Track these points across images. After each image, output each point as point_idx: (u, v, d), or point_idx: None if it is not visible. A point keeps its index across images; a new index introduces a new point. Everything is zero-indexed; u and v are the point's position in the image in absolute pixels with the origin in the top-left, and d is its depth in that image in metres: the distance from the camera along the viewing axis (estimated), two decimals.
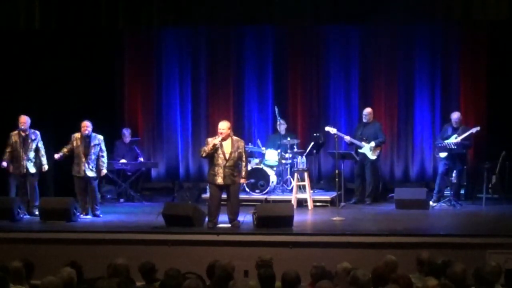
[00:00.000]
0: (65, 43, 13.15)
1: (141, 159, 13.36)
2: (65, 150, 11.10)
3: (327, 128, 12.40)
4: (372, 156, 12.41)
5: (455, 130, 12.13)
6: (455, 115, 12.26)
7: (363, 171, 12.52)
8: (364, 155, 12.43)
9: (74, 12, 11.69)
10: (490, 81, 13.36)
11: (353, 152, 12.37)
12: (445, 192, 12.16)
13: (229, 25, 13.25)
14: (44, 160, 11.27)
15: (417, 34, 13.71)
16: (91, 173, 11.05)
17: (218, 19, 11.83)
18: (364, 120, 12.68)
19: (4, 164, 11.22)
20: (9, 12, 11.66)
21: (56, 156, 11.14)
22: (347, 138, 12.26)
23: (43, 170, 11.32)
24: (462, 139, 11.90)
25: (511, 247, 8.95)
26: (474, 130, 11.99)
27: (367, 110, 12.76)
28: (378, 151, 12.51)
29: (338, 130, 12.48)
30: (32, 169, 11.18)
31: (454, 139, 11.98)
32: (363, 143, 12.40)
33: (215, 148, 9.99)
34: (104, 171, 11.29)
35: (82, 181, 11.07)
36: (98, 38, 13.33)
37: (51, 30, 12.07)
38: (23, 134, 11.19)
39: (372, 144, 12.39)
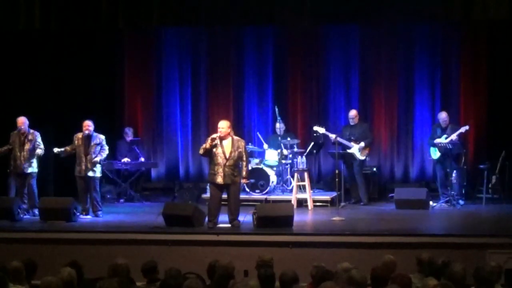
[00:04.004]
0: (65, 43, 13.17)
1: (142, 159, 13.34)
2: (68, 148, 11.10)
3: (315, 128, 12.38)
4: (361, 156, 12.40)
5: (443, 131, 12.14)
6: (443, 115, 12.28)
7: (352, 171, 12.51)
8: (352, 155, 12.40)
9: (74, 12, 11.68)
10: (490, 81, 13.36)
11: (354, 153, 12.35)
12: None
13: (229, 25, 13.25)
14: (39, 151, 11.16)
15: (417, 34, 13.71)
16: (91, 173, 11.05)
17: (218, 19, 11.82)
18: (351, 123, 12.65)
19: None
20: (9, 12, 11.66)
21: (55, 149, 11.07)
22: (333, 136, 12.11)
23: (36, 154, 11.14)
24: (454, 139, 11.91)
25: (511, 247, 8.95)
26: (463, 129, 12.01)
27: (353, 112, 12.72)
28: (367, 151, 12.50)
29: (337, 130, 12.48)
30: (29, 169, 11.17)
31: (444, 140, 11.99)
32: (352, 143, 12.38)
33: (213, 145, 9.96)
34: (97, 159, 11.00)
35: (83, 181, 11.07)
36: (98, 38, 13.34)
37: (51, 30, 12.07)
38: (21, 134, 11.20)
39: (362, 144, 12.38)
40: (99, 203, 11.21)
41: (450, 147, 11.92)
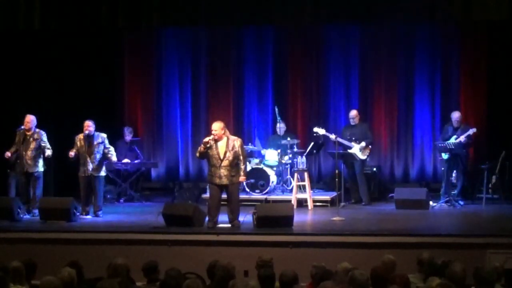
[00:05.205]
0: (65, 43, 13.17)
1: (137, 160, 13.34)
2: (74, 150, 11.11)
3: (315, 129, 12.36)
4: (362, 156, 12.39)
5: (455, 130, 12.13)
6: (456, 115, 12.26)
7: (353, 171, 12.51)
8: (353, 155, 12.40)
9: (74, 12, 11.69)
10: (490, 81, 13.36)
11: (355, 153, 12.35)
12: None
13: (229, 25, 13.25)
14: (48, 151, 11.16)
15: (417, 34, 13.71)
16: (96, 173, 11.06)
17: (218, 19, 11.83)
18: (352, 123, 12.65)
19: (8, 154, 11.19)
20: (9, 12, 11.66)
21: (71, 153, 11.05)
22: (333, 136, 12.09)
23: (46, 156, 11.18)
24: (463, 140, 11.91)
25: (511, 247, 8.95)
26: (471, 131, 11.99)
27: (353, 112, 12.72)
28: (368, 151, 12.50)
29: (337, 130, 12.49)
30: (34, 169, 11.16)
31: (453, 140, 11.99)
32: (353, 143, 12.38)
33: (207, 148, 9.96)
34: (114, 158, 11.26)
35: (87, 180, 11.09)
36: (98, 38, 13.34)
37: (51, 30, 12.07)
38: (27, 133, 11.20)
39: (363, 144, 12.37)
40: (101, 203, 11.23)
41: (451, 147, 11.92)
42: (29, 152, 11.12)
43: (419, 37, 13.73)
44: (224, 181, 9.98)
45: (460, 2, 11.00)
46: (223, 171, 9.97)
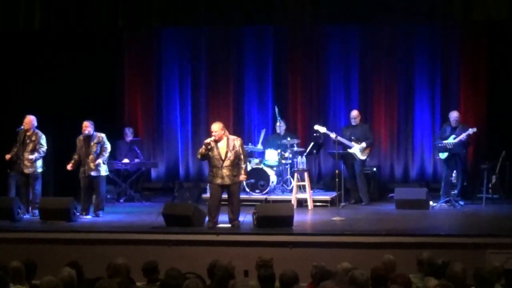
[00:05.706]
0: (65, 43, 13.16)
1: (137, 159, 13.32)
2: (75, 157, 11.11)
3: (316, 127, 12.38)
4: (362, 156, 12.40)
5: (453, 130, 12.14)
6: (454, 114, 12.26)
7: (353, 171, 12.51)
8: (353, 155, 12.39)
9: (74, 12, 11.69)
10: (490, 81, 13.36)
11: (355, 153, 12.35)
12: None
13: (229, 25, 13.25)
14: (36, 154, 11.14)
15: (417, 34, 13.71)
16: (95, 173, 11.07)
17: (218, 19, 11.82)
18: (353, 123, 12.66)
19: (8, 156, 11.21)
20: (9, 12, 11.66)
21: (69, 167, 11.12)
22: (333, 135, 12.10)
23: (35, 156, 11.12)
24: (462, 138, 11.91)
25: (511, 247, 8.94)
26: (470, 131, 11.99)
27: (354, 113, 12.74)
28: (368, 151, 12.50)
29: (337, 130, 12.49)
30: (30, 169, 11.15)
31: (452, 139, 11.99)
32: (353, 143, 12.39)
33: (208, 149, 9.98)
34: (100, 160, 11.06)
35: (87, 181, 11.10)
36: (98, 38, 13.34)
37: (51, 30, 12.07)
38: (26, 134, 11.19)
39: (363, 144, 12.38)
40: (103, 203, 11.23)
41: (450, 147, 11.92)
42: (26, 154, 11.12)
43: (419, 37, 13.73)
44: (227, 181, 9.99)
45: (460, 2, 10.99)
46: (225, 171, 9.98)
